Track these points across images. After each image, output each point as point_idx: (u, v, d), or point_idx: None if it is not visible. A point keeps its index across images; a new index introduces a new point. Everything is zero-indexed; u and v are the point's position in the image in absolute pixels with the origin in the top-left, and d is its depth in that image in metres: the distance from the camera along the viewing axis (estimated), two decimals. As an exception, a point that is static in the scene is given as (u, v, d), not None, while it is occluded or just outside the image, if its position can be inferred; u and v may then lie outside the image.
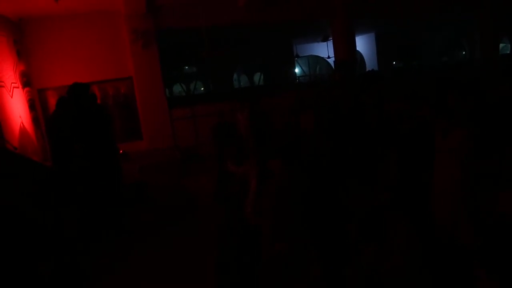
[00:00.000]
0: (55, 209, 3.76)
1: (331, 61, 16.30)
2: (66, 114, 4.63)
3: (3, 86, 7.01)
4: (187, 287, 3.35)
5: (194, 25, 8.31)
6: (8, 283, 3.16)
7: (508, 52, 19.60)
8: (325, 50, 16.31)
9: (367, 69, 16.46)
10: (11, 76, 7.51)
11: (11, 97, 7.33)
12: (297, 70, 19.08)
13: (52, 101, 8.67)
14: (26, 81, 8.23)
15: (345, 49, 9.81)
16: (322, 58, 17.77)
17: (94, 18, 8.61)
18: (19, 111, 7.56)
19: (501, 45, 15.58)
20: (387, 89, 4.19)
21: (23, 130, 7.56)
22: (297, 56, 15.87)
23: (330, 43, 12.55)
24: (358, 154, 3.54)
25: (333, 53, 10.66)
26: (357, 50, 15.34)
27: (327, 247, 2.93)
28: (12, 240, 3.24)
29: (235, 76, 16.67)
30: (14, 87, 7.54)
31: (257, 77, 17.99)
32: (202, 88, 17.25)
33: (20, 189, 3.57)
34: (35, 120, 8.32)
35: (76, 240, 3.86)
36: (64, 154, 4.53)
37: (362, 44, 17.00)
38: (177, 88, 15.46)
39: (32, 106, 8.30)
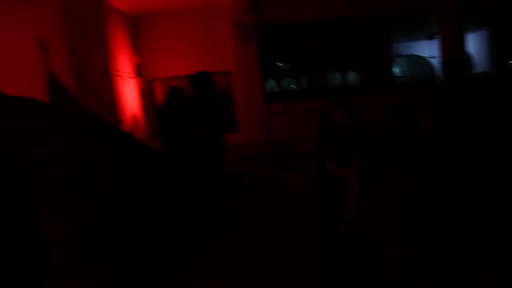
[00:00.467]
0: (167, 190, 4.00)
1: (434, 61, 15.21)
2: (182, 102, 4.90)
3: (120, 75, 7.74)
4: (281, 279, 3.35)
5: (294, 19, 8.29)
6: (128, 256, 3.48)
7: None
8: (425, 50, 15.33)
9: (477, 70, 15.06)
10: (126, 67, 8.27)
11: (126, 85, 8.06)
12: (396, 70, 18.13)
13: (158, 91, 9.36)
14: (139, 72, 8.99)
15: (454, 47, 9.09)
16: (424, 58, 16.71)
17: (199, 14, 9.07)
18: (131, 98, 8.30)
19: None
20: (503, 91, 3.87)
21: (134, 116, 8.30)
22: (397, 55, 15.09)
23: (434, 43, 11.70)
24: (476, 160, 3.29)
25: (438, 52, 9.96)
26: (466, 51, 14.13)
27: (440, 257, 2.77)
28: (133, 219, 3.56)
29: (329, 74, 16.36)
30: (128, 77, 8.29)
31: (352, 76, 17.44)
32: (293, 85, 17.18)
33: (140, 171, 3.88)
34: (144, 108, 9.06)
35: (183, 221, 4.08)
36: (180, 139, 4.77)
37: (472, 43, 15.66)
38: (269, 84, 15.60)
39: (143, 95, 9.05)
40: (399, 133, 5.00)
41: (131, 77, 8.46)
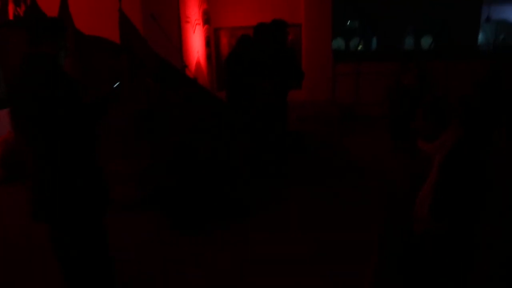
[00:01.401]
0: (230, 140, 3.95)
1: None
2: (251, 50, 4.74)
3: (188, 22, 7.65)
4: (337, 235, 3.23)
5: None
6: (185, 201, 3.52)
7: None
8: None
9: None
10: (195, 14, 8.14)
11: (193, 32, 8.00)
12: (481, 36, 16.48)
13: (224, 40, 9.32)
14: (206, 19, 8.85)
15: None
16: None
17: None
18: (197, 46, 8.25)
19: None
20: None
21: (198, 64, 8.27)
22: (488, 20, 13.57)
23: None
24: None
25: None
26: None
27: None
28: (194, 165, 3.57)
29: (404, 36, 15.21)
30: (196, 24, 8.20)
31: (428, 40, 16.12)
32: (360, 47, 16.27)
33: (204, 118, 3.85)
34: (208, 56, 9.01)
35: (242, 173, 4.05)
36: (245, 89, 4.65)
37: None
38: (336, 43, 14.85)
39: (208, 43, 8.97)
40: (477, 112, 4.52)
41: (199, 24, 8.36)
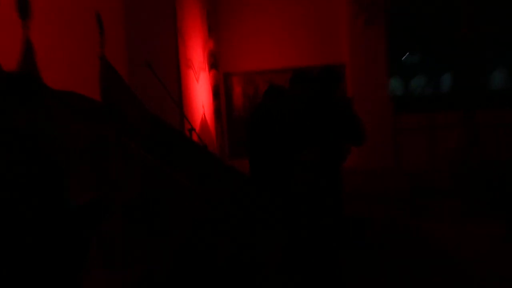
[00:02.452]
0: (258, 232, 3.96)
1: None
2: (285, 107, 4.79)
3: (190, 67, 7.85)
4: None
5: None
6: None
7: None
8: None
9: None
10: (199, 55, 8.42)
11: (197, 81, 8.18)
12: None
13: (237, 89, 9.58)
14: (213, 63, 9.16)
15: None
16: None
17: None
18: (202, 99, 8.41)
19: None
20: None
21: (204, 122, 8.37)
22: None
23: None
24: None
25: None
26: None
27: None
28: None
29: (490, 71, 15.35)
30: (201, 69, 8.42)
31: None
32: (424, 87, 16.42)
33: (222, 203, 3.85)
34: (217, 111, 9.19)
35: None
36: (279, 161, 4.68)
37: None
38: (392, 83, 15.13)
39: (216, 93, 9.19)
40: None
41: (203, 70, 8.57)
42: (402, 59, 15.86)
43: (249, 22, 9.28)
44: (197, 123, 7.88)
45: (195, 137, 5.45)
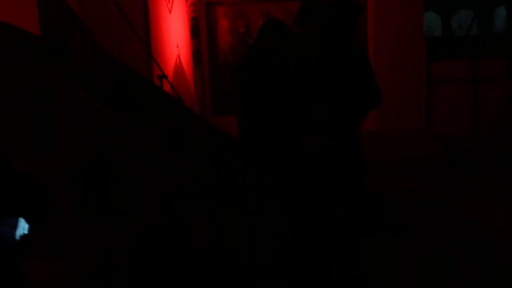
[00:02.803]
0: (253, 216, 4.12)
1: None
2: (289, 51, 4.83)
3: None
4: None
5: None
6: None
7: None
8: None
9: None
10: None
11: (170, 11, 8.14)
12: None
13: (223, 24, 9.53)
14: None
15: None
16: None
17: None
18: (177, 36, 8.38)
19: None
20: None
21: (178, 68, 8.38)
22: None
23: None
24: None
25: None
26: None
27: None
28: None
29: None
30: None
31: None
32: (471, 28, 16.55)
33: (202, 176, 3.91)
34: (196, 53, 9.18)
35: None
36: (281, 122, 4.72)
37: None
38: (429, 20, 15.22)
39: (195, 29, 9.15)
40: None
41: None
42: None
43: None
44: (169, 69, 7.89)
45: (166, 87, 5.45)
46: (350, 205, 4.65)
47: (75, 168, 3.57)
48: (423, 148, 8.16)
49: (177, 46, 8.32)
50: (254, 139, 5.17)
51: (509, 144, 7.03)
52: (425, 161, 7.88)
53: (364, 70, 4.62)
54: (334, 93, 4.49)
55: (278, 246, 4.39)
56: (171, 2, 8.09)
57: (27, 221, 2.40)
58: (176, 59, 8.28)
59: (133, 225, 3.79)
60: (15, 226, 2.43)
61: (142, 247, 3.85)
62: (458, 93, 8.40)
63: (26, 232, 2.43)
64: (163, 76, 5.30)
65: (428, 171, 7.66)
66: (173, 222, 3.92)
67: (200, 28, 9.38)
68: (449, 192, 6.99)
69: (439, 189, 7.10)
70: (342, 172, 4.57)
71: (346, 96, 4.52)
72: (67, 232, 3.56)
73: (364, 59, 4.69)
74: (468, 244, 5.54)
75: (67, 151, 3.54)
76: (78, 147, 3.65)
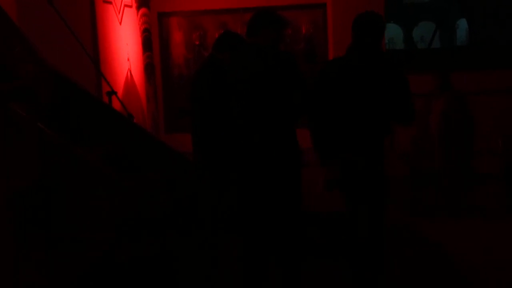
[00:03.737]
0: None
1: None
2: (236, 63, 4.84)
3: (110, 3, 7.70)
4: None
5: None
6: None
7: None
8: None
9: None
10: (122, -13, 8.27)
11: (120, 23, 8.03)
12: None
13: (177, 36, 9.51)
14: None
15: None
16: None
17: None
18: (127, 49, 8.26)
19: None
20: None
21: (129, 83, 8.27)
22: None
23: None
24: None
25: None
26: None
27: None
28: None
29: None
30: (125, 6, 8.26)
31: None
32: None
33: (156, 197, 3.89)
34: (148, 67, 9.04)
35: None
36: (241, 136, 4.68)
37: None
38: (390, 32, 15.50)
39: (147, 42, 9.02)
40: None
41: (129, 6, 8.48)
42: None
43: None
44: (119, 84, 7.78)
45: (116, 104, 5.39)
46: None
47: (15, 193, 3.45)
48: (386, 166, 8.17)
49: (128, 60, 8.19)
50: (210, 156, 5.18)
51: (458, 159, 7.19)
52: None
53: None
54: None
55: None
56: (121, 13, 7.97)
57: None
58: (127, 73, 8.15)
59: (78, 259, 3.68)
60: None
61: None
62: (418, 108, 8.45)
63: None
64: (112, 92, 5.26)
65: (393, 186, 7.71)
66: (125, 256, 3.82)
67: (153, 41, 9.27)
68: (409, 211, 7.18)
69: (400, 208, 7.22)
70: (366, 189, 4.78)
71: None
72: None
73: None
74: (426, 263, 5.71)
75: (5, 175, 3.44)
76: (19, 170, 3.52)
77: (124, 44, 8.11)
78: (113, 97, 5.27)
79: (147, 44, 9.01)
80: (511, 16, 18.68)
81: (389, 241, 6.11)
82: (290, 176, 4.65)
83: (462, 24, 18.30)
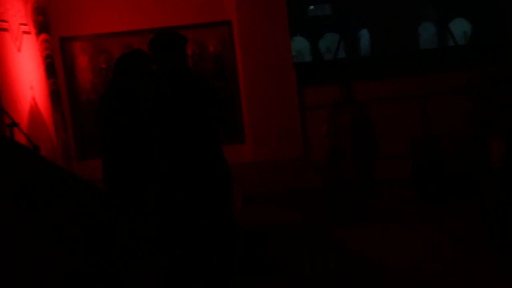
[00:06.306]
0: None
1: None
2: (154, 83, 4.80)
3: (6, 30, 7.44)
4: None
5: None
6: None
7: None
8: None
9: None
10: (19, 13, 7.96)
11: (19, 50, 7.77)
12: None
13: (82, 60, 9.30)
14: (43, 24, 8.73)
15: None
16: None
17: None
18: (30, 77, 8.02)
19: None
20: None
21: (34, 112, 8.01)
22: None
23: None
24: None
25: None
26: None
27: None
28: None
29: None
30: (23, 32, 8.01)
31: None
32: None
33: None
34: (54, 94, 8.80)
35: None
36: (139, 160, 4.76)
37: None
38: (297, 45, 15.67)
39: (50, 68, 8.78)
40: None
41: (28, 33, 8.24)
42: (309, 10, 16.11)
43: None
44: (23, 115, 7.54)
45: (19, 136, 5.21)
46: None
47: None
48: (300, 177, 8.31)
49: (31, 88, 7.94)
50: (120, 182, 5.10)
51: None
52: (303, 190, 8.08)
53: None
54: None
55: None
56: (19, 39, 7.69)
57: None
58: (31, 102, 7.89)
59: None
60: None
61: None
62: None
63: None
64: (14, 124, 4.99)
65: (306, 199, 7.84)
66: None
67: (56, 67, 9.04)
68: (329, 219, 7.16)
69: (318, 218, 7.23)
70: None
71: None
72: None
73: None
74: (349, 273, 5.70)
75: None
76: None
77: (26, 72, 7.88)
78: (15, 129, 5.05)
79: (50, 70, 8.79)
80: (409, 25, 19.28)
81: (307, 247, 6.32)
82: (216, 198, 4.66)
83: (365, 34, 18.77)
